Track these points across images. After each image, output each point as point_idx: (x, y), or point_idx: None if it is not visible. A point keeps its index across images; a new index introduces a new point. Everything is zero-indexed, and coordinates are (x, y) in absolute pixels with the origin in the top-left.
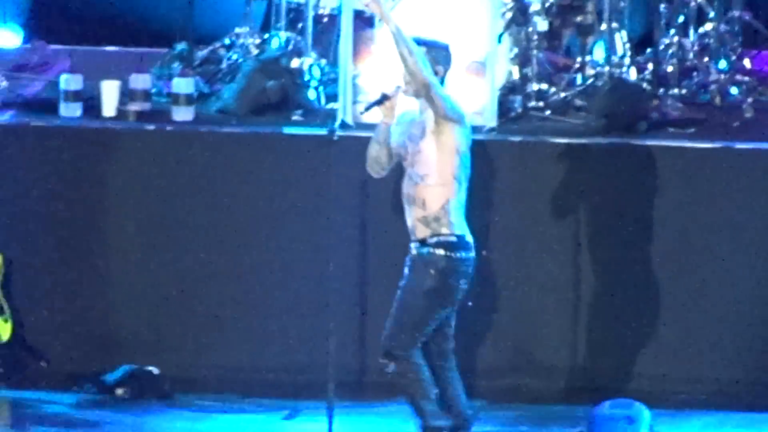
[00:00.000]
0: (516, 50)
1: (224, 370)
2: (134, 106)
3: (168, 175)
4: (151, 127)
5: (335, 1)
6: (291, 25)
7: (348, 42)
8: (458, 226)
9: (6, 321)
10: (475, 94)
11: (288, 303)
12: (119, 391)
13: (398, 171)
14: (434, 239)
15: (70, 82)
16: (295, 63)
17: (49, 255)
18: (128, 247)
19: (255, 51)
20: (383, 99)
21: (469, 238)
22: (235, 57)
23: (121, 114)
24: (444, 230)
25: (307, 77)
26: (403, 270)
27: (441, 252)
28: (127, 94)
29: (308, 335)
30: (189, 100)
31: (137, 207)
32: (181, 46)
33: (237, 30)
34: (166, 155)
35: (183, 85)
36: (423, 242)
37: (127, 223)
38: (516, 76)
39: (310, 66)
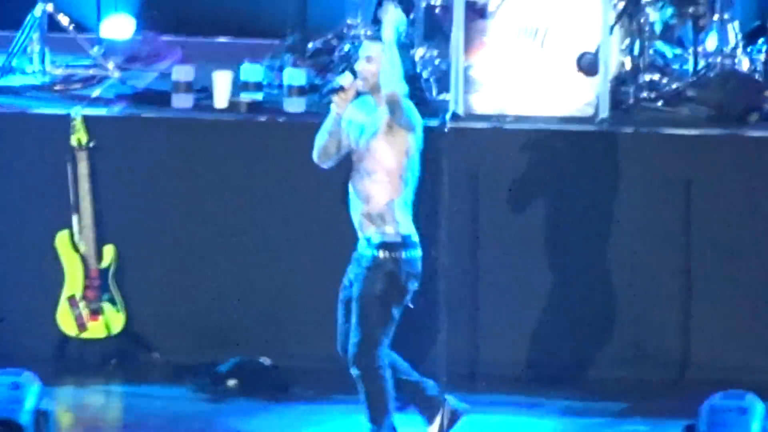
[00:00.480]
0: (628, 41)
1: (338, 363)
2: (246, 98)
3: (280, 167)
4: (263, 118)
5: None
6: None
7: (460, 33)
8: (403, 226)
9: (118, 312)
10: (587, 84)
11: None
12: (231, 383)
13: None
14: (379, 240)
15: (181, 73)
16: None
17: (160, 246)
18: (239, 239)
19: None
20: (338, 89)
21: (415, 238)
22: (347, 48)
23: (233, 105)
24: (389, 229)
25: (419, 68)
26: (353, 264)
27: (387, 254)
28: (239, 85)
29: (420, 328)
30: (301, 91)
31: (249, 198)
32: (293, 37)
33: (349, 21)
34: (278, 146)
35: (295, 76)
36: (369, 241)
37: (238, 215)
38: (628, 66)
39: (422, 57)
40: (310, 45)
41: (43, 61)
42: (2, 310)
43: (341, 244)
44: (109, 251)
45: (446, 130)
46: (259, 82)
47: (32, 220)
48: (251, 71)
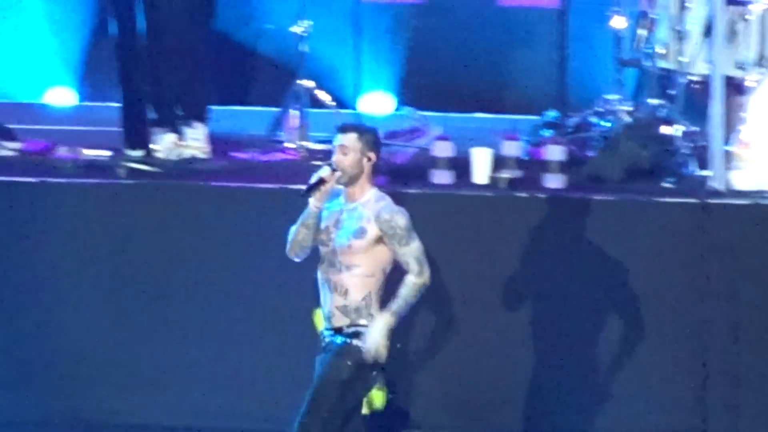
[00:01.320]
0: None
1: None
2: (506, 173)
3: (539, 241)
4: (524, 194)
5: (707, 68)
6: (662, 92)
7: (719, 108)
8: (376, 317)
9: (380, 389)
10: None
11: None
12: None
13: None
14: (351, 329)
15: (441, 149)
16: (666, 130)
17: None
18: (485, 312)
19: (626, 118)
20: (320, 182)
21: None
22: (606, 124)
23: (493, 181)
24: (362, 321)
25: (678, 145)
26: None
27: (358, 343)
28: (498, 162)
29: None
30: (560, 167)
31: (509, 270)
32: (552, 113)
33: (608, 97)
34: (536, 222)
35: (555, 152)
36: (338, 331)
37: (497, 287)
38: None
39: (682, 133)
40: (569, 121)
41: (303, 137)
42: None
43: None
44: None
45: (706, 206)
46: (519, 158)
47: (293, 292)
48: (511, 147)
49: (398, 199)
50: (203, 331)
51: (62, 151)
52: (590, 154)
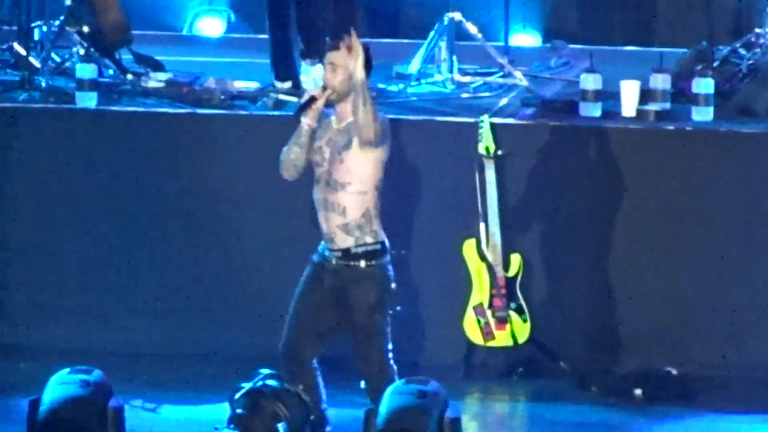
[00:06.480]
0: None
1: (748, 371)
2: (653, 106)
3: (682, 175)
4: (671, 127)
5: None
6: None
7: None
8: (380, 233)
9: (524, 321)
10: None
11: None
12: (636, 393)
13: None
14: (361, 249)
15: (589, 81)
16: None
17: (563, 254)
18: (632, 246)
19: None
20: (311, 101)
21: (387, 243)
22: (755, 57)
23: (641, 114)
24: (368, 239)
25: None
26: (312, 274)
27: (373, 263)
28: (646, 94)
29: None
30: (708, 100)
31: (653, 201)
32: (699, 46)
33: (757, 30)
34: (686, 154)
35: (703, 84)
36: (347, 253)
37: (642, 220)
38: None
39: None
40: (718, 53)
41: (451, 70)
42: (410, 316)
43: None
44: (515, 260)
45: None
46: (667, 91)
47: (440, 228)
48: (659, 80)
49: (546, 132)
50: None
51: (210, 83)
52: (738, 86)
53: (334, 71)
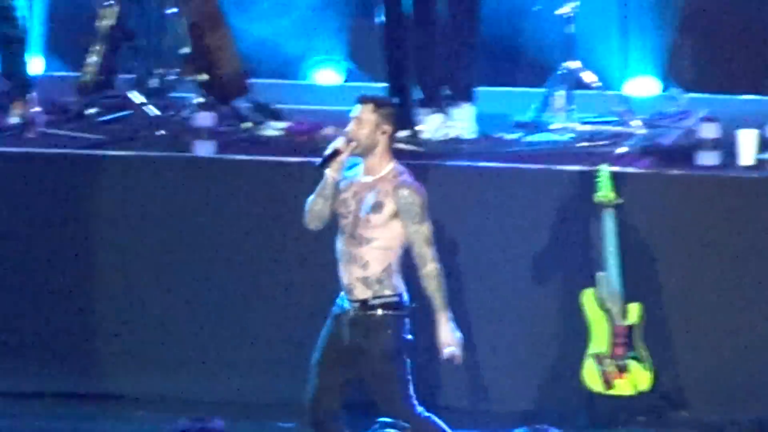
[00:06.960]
0: None
1: None
2: None
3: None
4: None
5: None
6: None
7: None
8: (399, 287)
9: (645, 369)
10: None
11: None
12: None
13: None
14: (379, 301)
15: (707, 130)
16: None
17: (684, 303)
18: (746, 294)
19: None
20: (335, 154)
21: (405, 296)
22: None
23: (759, 163)
24: (387, 291)
25: None
26: (332, 326)
27: (390, 313)
28: (764, 143)
29: None
30: None
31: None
32: None
33: None
34: None
35: None
36: (364, 303)
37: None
38: None
39: None
40: None
41: (569, 118)
42: (527, 365)
43: None
44: (635, 309)
45: None
46: None
47: (557, 276)
48: None
49: (664, 181)
50: None
51: (328, 131)
52: None
53: (359, 124)
